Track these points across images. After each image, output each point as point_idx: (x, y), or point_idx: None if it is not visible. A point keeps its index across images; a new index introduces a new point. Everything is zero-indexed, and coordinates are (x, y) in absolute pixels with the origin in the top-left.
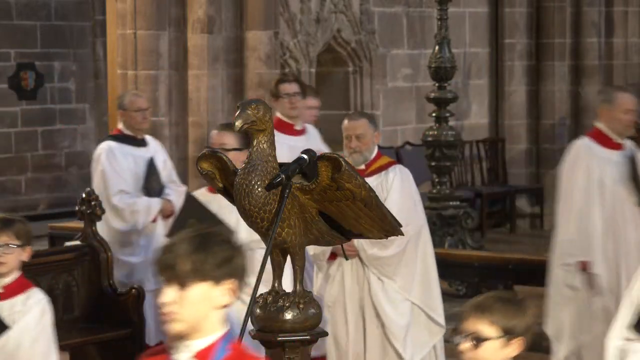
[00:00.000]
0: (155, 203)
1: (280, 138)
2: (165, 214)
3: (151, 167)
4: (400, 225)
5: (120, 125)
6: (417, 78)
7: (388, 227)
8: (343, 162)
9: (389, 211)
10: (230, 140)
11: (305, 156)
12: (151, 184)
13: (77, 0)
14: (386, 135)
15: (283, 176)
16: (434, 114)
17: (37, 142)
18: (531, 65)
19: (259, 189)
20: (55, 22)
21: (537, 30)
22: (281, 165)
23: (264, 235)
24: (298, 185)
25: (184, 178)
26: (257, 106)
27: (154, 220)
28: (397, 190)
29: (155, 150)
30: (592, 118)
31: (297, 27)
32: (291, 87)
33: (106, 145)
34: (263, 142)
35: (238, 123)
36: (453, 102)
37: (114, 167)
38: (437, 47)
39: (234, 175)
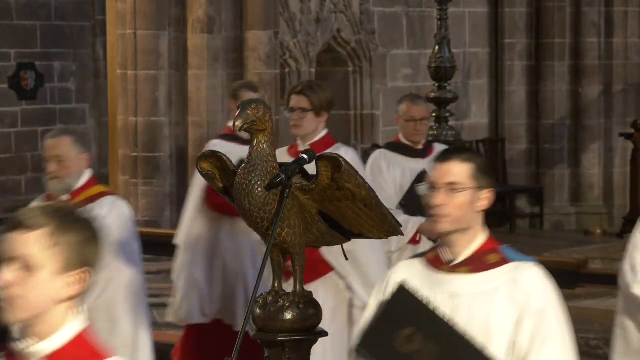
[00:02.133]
0: (415, 221)
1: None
2: (429, 235)
3: (420, 180)
4: (401, 226)
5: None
6: (417, 78)
7: (388, 227)
8: (343, 162)
9: (389, 211)
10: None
11: (305, 156)
12: (413, 199)
13: (77, 0)
14: (386, 136)
15: (283, 176)
16: (434, 114)
17: (37, 142)
18: (531, 65)
19: (259, 189)
20: (55, 22)
21: (537, 30)
22: (281, 165)
23: (264, 235)
24: (298, 185)
25: (183, 178)
26: (257, 106)
27: (415, 242)
28: (113, 227)
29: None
30: (592, 118)
31: (297, 27)
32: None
33: (377, 154)
34: (263, 142)
35: (238, 123)
36: (453, 102)
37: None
38: (437, 47)
39: (234, 175)
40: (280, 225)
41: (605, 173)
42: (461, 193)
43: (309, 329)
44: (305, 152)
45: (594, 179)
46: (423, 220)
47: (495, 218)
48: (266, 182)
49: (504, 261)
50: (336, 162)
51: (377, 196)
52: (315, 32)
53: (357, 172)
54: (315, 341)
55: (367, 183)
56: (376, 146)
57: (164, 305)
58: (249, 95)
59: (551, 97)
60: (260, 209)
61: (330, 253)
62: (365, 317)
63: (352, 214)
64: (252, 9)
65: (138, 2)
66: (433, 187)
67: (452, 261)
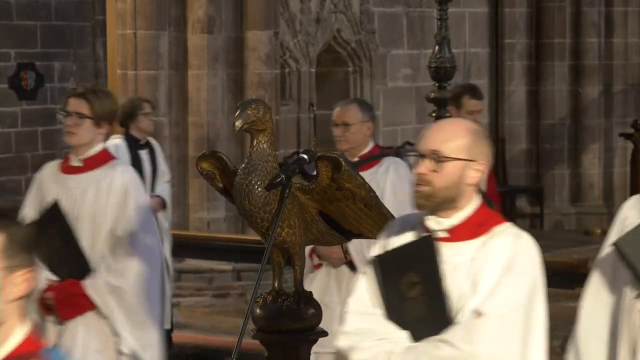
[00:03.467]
0: None
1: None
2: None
3: None
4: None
5: None
6: (417, 78)
7: None
8: (343, 162)
9: (389, 211)
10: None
11: (305, 156)
12: None
13: (77, 0)
14: (386, 135)
15: (283, 176)
16: (433, 114)
17: (37, 142)
18: (531, 65)
19: (259, 189)
20: (55, 22)
21: (537, 30)
22: (281, 165)
23: (264, 235)
24: (298, 185)
25: (183, 178)
26: (257, 106)
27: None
28: None
29: None
30: (592, 118)
31: (297, 27)
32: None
33: None
34: (263, 142)
35: (238, 123)
36: None
37: None
38: (437, 47)
39: (234, 175)
40: (280, 225)
41: (605, 173)
42: None
43: (309, 329)
44: (305, 152)
45: (594, 179)
46: None
47: None
48: (266, 182)
49: None
50: (336, 162)
51: (377, 196)
52: (315, 32)
53: (357, 172)
54: (315, 341)
55: (367, 183)
56: (376, 146)
57: None
58: (471, 103)
59: (551, 97)
60: (260, 209)
61: (94, 287)
62: None
63: (352, 214)
64: (252, 9)
65: (138, 2)
66: None
67: None
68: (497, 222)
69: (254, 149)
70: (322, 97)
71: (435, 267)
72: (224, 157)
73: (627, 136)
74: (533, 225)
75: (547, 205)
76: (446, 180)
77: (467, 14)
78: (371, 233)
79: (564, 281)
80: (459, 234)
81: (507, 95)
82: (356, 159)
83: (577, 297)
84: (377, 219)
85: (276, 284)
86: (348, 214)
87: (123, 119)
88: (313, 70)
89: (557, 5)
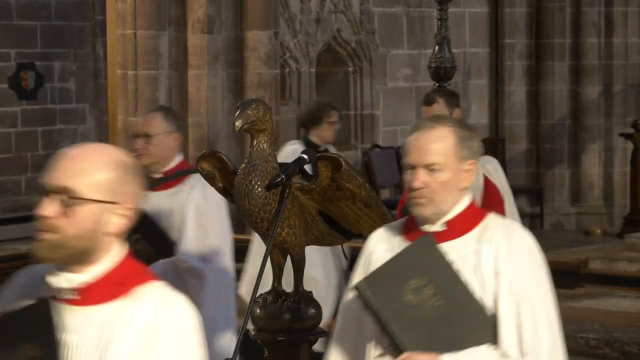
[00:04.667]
0: None
1: None
2: None
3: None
4: None
5: None
6: (417, 78)
7: None
8: (343, 162)
9: (389, 211)
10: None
11: (305, 156)
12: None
13: (77, 0)
14: (386, 135)
15: (283, 176)
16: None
17: (37, 142)
18: (531, 65)
19: (259, 189)
20: (55, 22)
21: (537, 30)
22: (281, 165)
23: (264, 235)
24: (298, 185)
25: None
26: (257, 106)
27: None
28: None
29: None
30: (592, 118)
31: (297, 27)
32: None
33: None
34: (263, 142)
35: (238, 123)
36: None
37: None
38: (437, 47)
39: (234, 175)
40: (280, 225)
41: (605, 173)
42: None
43: (309, 329)
44: (305, 152)
45: (594, 179)
46: None
47: None
48: (266, 182)
49: None
50: (336, 162)
51: (377, 196)
52: (315, 32)
53: (357, 173)
54: (315, 341)
55: (367, 183)
56: (376, 146)
57: None
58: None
59: (551, 97)
60: (260, 209)
61: None
62: None
63: (352, 214)
64: (252, 9)
65: (138, 2)
66: None
67: None
68: (142, 281)
69: (254, 149)
70: (322, 97)
71: (55, 339)
72: (224, 157)
73: (627, 136)
74: (533, 225)
75: (547, 205)
76: (79, 228)
77: (467, 14)
78: (371, 233)
79: (563, 281)
80: (90, 295)
81: (507, 95)
82: (160, 175)
83: (577, 297)
84: (377, 219)
85: (276, 284)
86: (348, 214)
87: (306, 121)
88: (313, 70)
89: (557, 5)
